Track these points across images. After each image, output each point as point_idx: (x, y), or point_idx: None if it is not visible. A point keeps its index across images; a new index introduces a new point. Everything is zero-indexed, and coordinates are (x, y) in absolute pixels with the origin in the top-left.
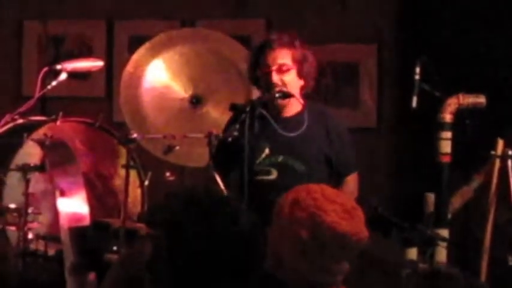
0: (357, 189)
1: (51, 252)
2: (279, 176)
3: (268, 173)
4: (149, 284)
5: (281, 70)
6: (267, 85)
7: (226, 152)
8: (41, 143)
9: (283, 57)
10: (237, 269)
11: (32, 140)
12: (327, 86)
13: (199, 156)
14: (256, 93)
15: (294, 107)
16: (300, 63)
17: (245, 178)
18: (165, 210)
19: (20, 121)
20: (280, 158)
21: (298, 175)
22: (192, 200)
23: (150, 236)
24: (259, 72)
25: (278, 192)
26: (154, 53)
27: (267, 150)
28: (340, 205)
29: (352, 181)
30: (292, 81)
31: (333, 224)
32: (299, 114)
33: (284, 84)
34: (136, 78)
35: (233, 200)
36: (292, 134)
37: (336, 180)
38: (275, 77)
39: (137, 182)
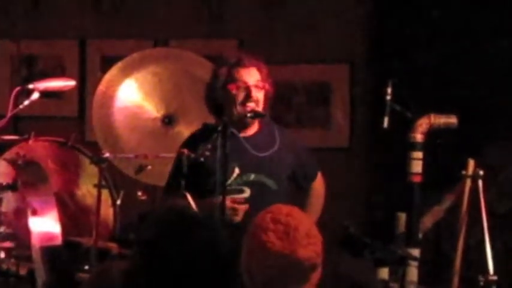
0: (324, 188)
1: (23, 271)
2: (252, 194)
3: (241, 191)
4: None
5: (257, 87)
6: (244, 100)
7: (196, 172)
8: (13, 162)
9: (255, 75)
10: (214, 285)
11: (4, 159)
12: (299, 105)
13: None
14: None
15: (254, 126)
16: (267, 84)
17: (217, 197)
18: (142, 231)
19: None
20: (252, 176)
21: (271, 192)
22: (168, 221)
23: (123, 255)
24: (232, 87)
25: (252, 210)
26: (127, 72)
27: (236, 170)
28: (285, 226)
29: (318, 183)
30: (261, 100)
31: (266, 243)
32: (262, 133)
33: (258, 101)
34: (109, 98)
35: (209, 219)
36: (263, 154)
37: (302, 190)
38: (255, 93)
39: (109, 201)
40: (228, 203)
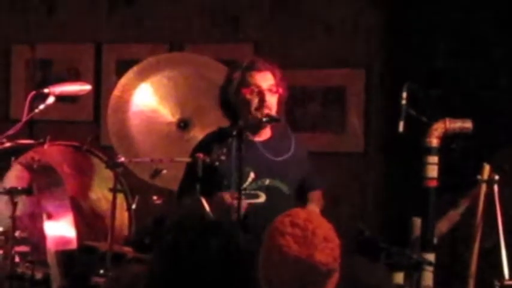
0: (322, 203)
1: (38, 276)
2: (267, 199)
3: (257, 196)
4: None
5: (271, 91)
6: (258, 104)
7: (209, 176)
8: (28, 167)
9: (269, 79)
10: None
11: (20, 163)
12: (314, 110)
13: None
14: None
15: (268, 130)
16: (281, 88)
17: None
18: (160, 237)
19: (8, 144)
20: (267, 181)
21: (285, 197)
22: (187, 225)
23: (138, 259)
24: (246, 91)
25: (269, 215)
26: (142, 77)
27: (252, 174)
28: (302, 230)
29: (317, 195)
30: (274, 104)
31: (283, 247)
32: (277, 137)
33: (272, 105)
34: (124, 102)
35: (226, 224)
36: (279, 159)
37: (303, 196)
38: (268, 98)
39: (124, 206)
40: (227, 198)
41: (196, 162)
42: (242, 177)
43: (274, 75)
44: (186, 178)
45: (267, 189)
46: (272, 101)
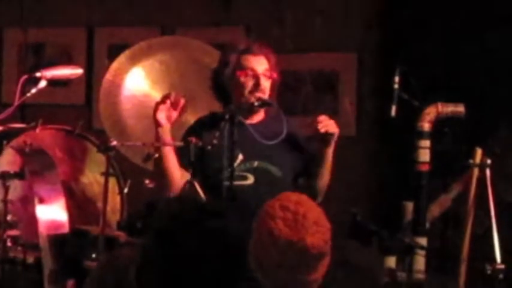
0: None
1: (30, 259)
2: (256, 181)
3: (245, 178)
4: None
5: (266, 76)
6: (253, 88)
7: (199, 158)
8: (20, 151)
9: (264, 64)
10: (226, 275)
11: (11, 147)
12: (306, 94)
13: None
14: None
15: (260, 113)
16: (275, 73)
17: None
18: (153, 220)
19: None
20: (256, 163)
21: (276, 179)
22: (179, 210)
23: (130, 243)
24: (241, 74)
25: (256, 197)
26: (134, 61)
27: (240, 156)
28: (293, 214)
29: None
30: (268, 89)
31: (273, 231)
32: (269, 121)
33: (265, 90)
34: (116, 86)
35: (219, 208)
36: (270, 142)
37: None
38: (263, 82)
39: (116, 190)
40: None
41: (188, 146)
42: (232, 160)
43: (268, 59)
44: (179, 161)
45: (255, 171)
46: (266, 86)
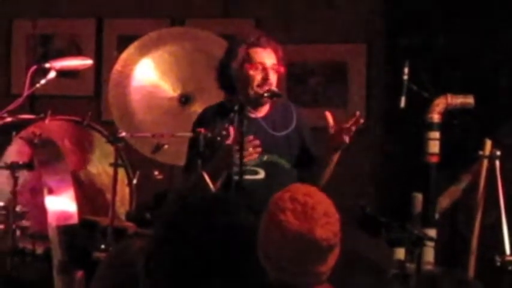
0: None
1: (39, 250)
2: (266, 175)
3: (256, 172)
4: (145, 282)
5: (274, 69)
6: (261, 81)
7: (212, 150)
8: (29, 141)
9: (273, 57)
10: (234, 267)
11: (21, 138)
12: (315, 85)
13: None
14: None
15: (267, 106)
16: (282, 66)
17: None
18: (163, 211)
19: (9, 119)
20: (266, 157)
21: (285, 171)
22: (188, 202)
23: (139, 235)
24: (250, 67)
25: (267, 192)
26: (143, 51)
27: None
28: (302, 206)
29: None
30: (275, 82)
31: (282, 222)
32: (278, 113)
33: (273, 83)
34: (125, 77)
35: (230, 198)
36: (279, 134)
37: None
38: (271, 75)
39: (125, 181)
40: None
41: (197, 137)
42: (243, 152)
43: (276, 53)
44: (191, 152)
45: (266, 165)
46: (274, 79)
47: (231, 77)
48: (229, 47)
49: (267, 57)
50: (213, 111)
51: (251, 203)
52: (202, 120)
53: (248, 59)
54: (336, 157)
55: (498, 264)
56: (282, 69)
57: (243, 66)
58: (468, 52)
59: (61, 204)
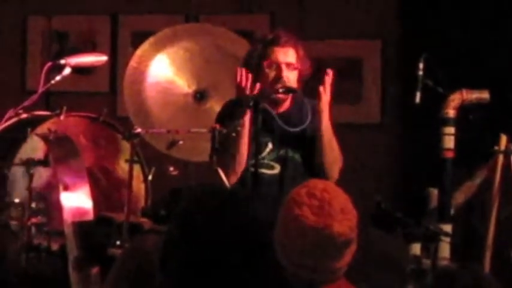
0: None
1: (54, 246)
2: (282, 169)
3: (272, 167)
4: (160, 278)
5: (289, 67)
6: (274, 79)
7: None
8: (44, 138)
9: (291, 55)
10: (249, 263)
11: (36, 134)
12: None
13: (203, 151)
14: None
15: (286, 102)
16: (302, 65)
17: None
18: (177, 205)
19: (24, 116)
20: (282, 152)
21: (299, 166)
22: (203, 195)
23: (155, 231)
24: (265, 64)
25: (282, 186)
26: (159, 48)
27: (270, 145)
28: (320, 201)
29: None
30: (294, 80)
31: (300, 218)
32: (294, 109)
33: (289, 81)
34: (140, 73)
35: (242, 193)
36: (294, 129)
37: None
38: (285, 72)
39: (141, 177)
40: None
41: (213, 133)
42: (259, 148)
43: (297, 51)
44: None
45: (281, 160)
46: (290, 76)
47: (252, 75)
48: (250, 45)
49: (283, 55)
50: (234, 104)
51: (265, 197)
52: (223, 113)
53: (264, 57)
54: (325, 121)
55: None
56: (301, 67)
57: (259, 63)
58: (484, 47)
59: (76, 200)
